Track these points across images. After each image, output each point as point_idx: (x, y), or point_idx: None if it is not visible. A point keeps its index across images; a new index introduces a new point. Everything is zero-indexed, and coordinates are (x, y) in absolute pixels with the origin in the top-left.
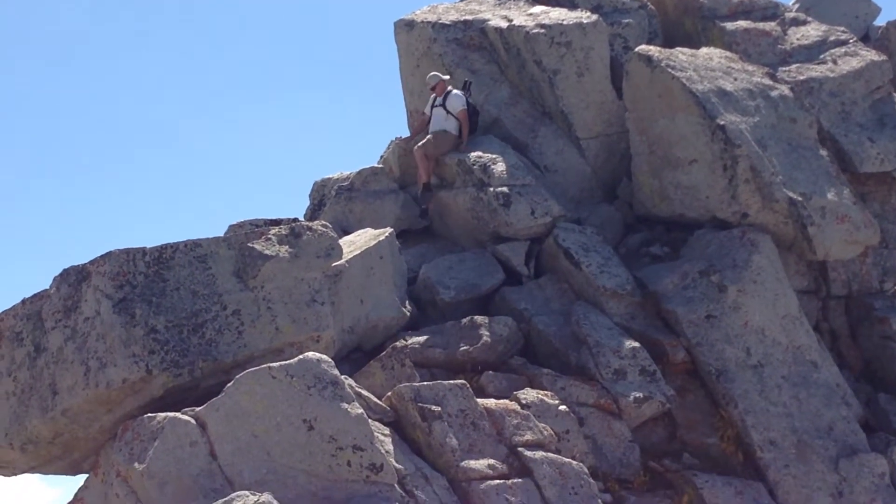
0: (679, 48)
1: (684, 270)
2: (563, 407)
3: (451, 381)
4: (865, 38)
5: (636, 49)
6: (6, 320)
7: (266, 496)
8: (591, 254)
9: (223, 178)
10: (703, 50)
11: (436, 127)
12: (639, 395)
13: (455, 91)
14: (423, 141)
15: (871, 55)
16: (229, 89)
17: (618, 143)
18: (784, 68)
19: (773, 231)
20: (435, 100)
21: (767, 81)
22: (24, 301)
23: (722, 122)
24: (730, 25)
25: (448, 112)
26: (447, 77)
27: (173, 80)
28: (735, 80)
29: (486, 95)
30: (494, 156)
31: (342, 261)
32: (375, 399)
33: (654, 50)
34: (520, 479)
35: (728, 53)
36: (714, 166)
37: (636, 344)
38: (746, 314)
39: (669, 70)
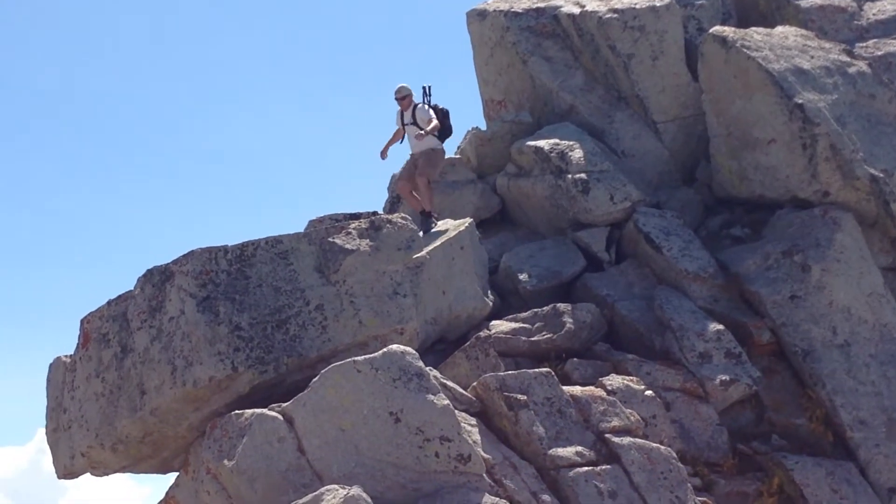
0: (754, 28)
1: (766, 251)
2: (648, 392)
3: (536, 370)
4: None
5: (710, 30)
6: (93, 322)
7: (355, 489)
8: (672, 237)
9: (303, 174)
10: (779, 29)
11: (421, 147)
12: (725, 377)
13: (419, 104)
14: (409, 172)
15: None
16: (308, 83)
17: (695, 125)
18: (861, 44)
19: (855, 208)
20: (403, 115)
21: (844, 58)
22: (109, 302)
23: (800, 101)
24: (804, 3)
25: (419, 128)
26: (410, 92)
27: (253, 74)
28: (812, 57)
29: (561, 82)
30: (571, 142)
31: (423, 252)
32: (461, 389)
33: (728, 30)
34: (608, 466)
35: (803, 31)
36: (793, 146)
37: (720, 326)
38: (831, 293)
39: (745, 50)
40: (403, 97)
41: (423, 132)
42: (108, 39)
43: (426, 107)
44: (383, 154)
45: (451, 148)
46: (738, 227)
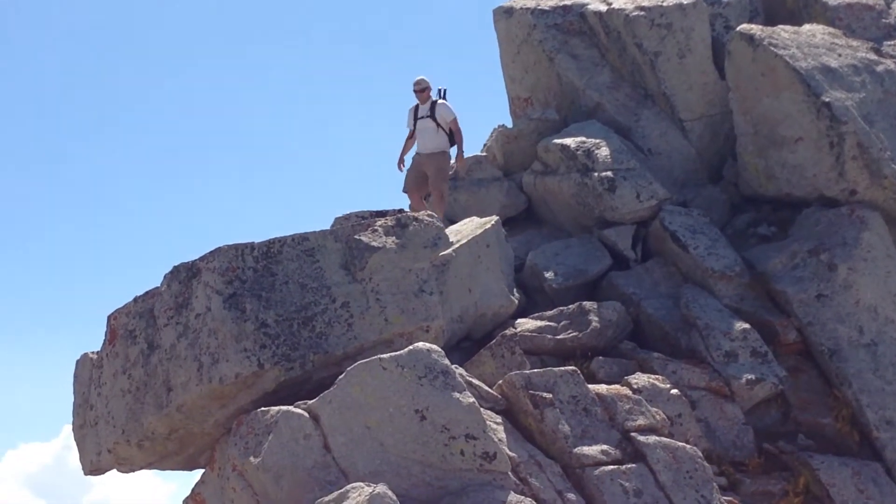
0: (781, 26)
1: (793, 250)
2: (674, 391)
3: (562, 368)
4: None
5: (738, 28)
6: (119, 318)
7: (381, 487)
8: (699, 236)
9: (328, 171)
10: (806, 27)
11: (431, 146)
12: (751, 376)
13: (440, 100)
14: (418, 178)
15: None
16: (335, 80)
17: (721, 123)
18: (889, 42)
19: (883, 207)
20: (418, 109)
21: (872, 56)
22: (136, 299)
23: (827, 99)
24: (832, 1)
25: (438, 125)
26: (429, 85)
27: (280, 70)
28: (839, 56)
29: (588, 80)
30: (598, 140)
31: (449, 250)
32: (486, 387)
33: (755, 28)
34: (633, 465)
35: (831, 29)
36: (820, 144)
37: (746, 325)
38: (858, 292)
39: (772, 48)
40: (423, 89)
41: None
42: (137, 32)
43: (448, 104)
44: (400, 165)
45: (475, 145)
46: (765, 225)
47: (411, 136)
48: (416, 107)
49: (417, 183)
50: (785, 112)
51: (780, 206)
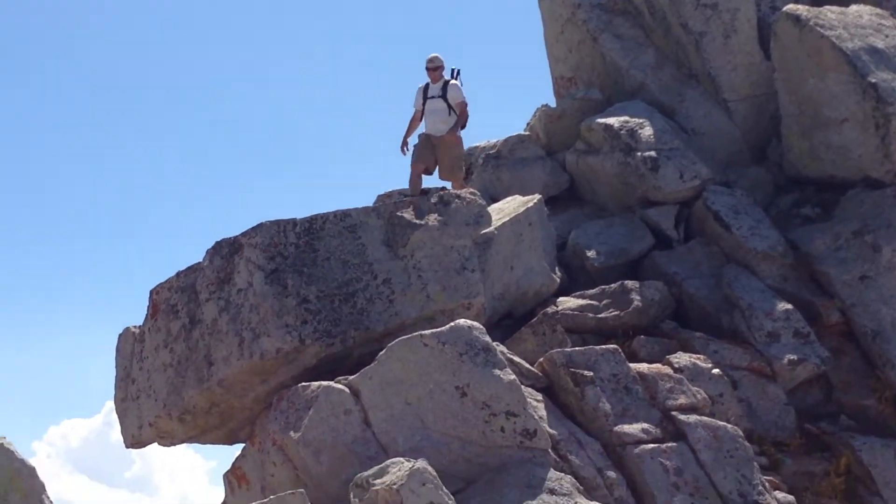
0: (828, 6)
1: (837, 231)
2: (716, 370)
3: (603, 346)
4: None
5: (784, 9)
6: (162, 293)
7: (421, 462)
8: (742, 216)
9: (370, 148)
10: (853, 7)
11: (441, 127)
12: (793, 357)
13: (452, 80)
14: (425, 154)
15: None
16: (377, 56)
17: (766, 104)
18: None
19: None
20: (428, 88)
21: None
22: (178, 274)
23: (873, 80)
24: None
25: (450, 106)
26: (443, 63)
27: (323, 47)
28: (886, 36)
29: (632, 60)
30: (641, 120)
31: (491, 228)
32: (527, 365)
33: (802, 9)
34: (674, 443)
35: (878, 10)
36: (866, 125)
37: (789, 306)
38: None
39: (819, 29)
40: (436, 67)
41: (453, 126)
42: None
43: (460, 85)
44: (403, 148)
45: (518, 125)
46: (809, 206)
47: (418, 117)
48: (427, 86)
49: (425, 157)
50: (831, 93)
51: (824, 188)
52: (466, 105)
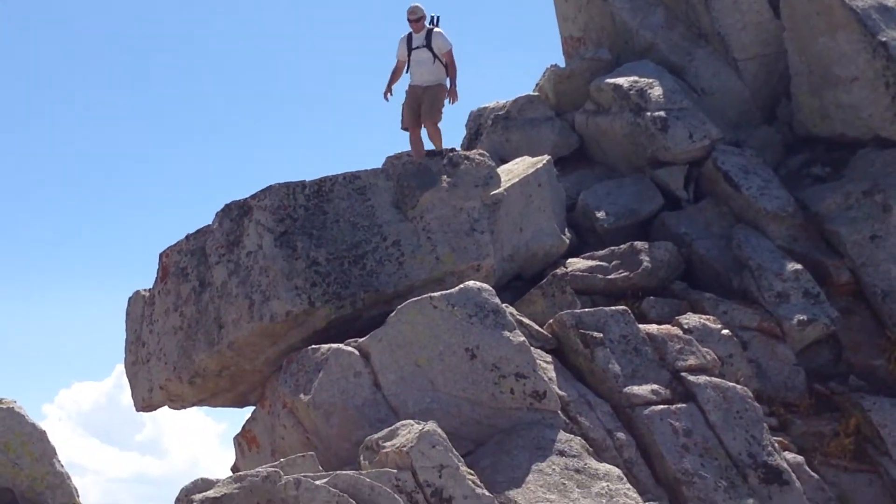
0: None
1: (847, 190)
2: (725, 331)
3: (613, 307)
4: None
5: None
6: (171, 256)
7: (431, 425)
8: (751, 176)
9: (380, 110)
10: None
11: (428, 79)
12: (802, 317)
13: (436, 28)
14: (414, 110)
15: None
16: (384, 17)
17: (776, 63)
18: None
19: None
20: (412, 38)
21: None
22: (187, 237)
23: (883, 39)
24: None
25: (435, 55)
26: (425, 14)
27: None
28: None
29: (642, 20)
30: (651, 80)
31: (500, 189)
32: (537, 327)
33: None
34: (683, 404)
35: None
36: (876, 84)
37: (799, 266)
38: None
39: None
40: (419, 18)
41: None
42: None
43: (443, 33)
44: (387, 94)
45: (527, 85)
46: (819, 165)
47: (401, 67)
48: (409, 36)
49: (415, 118)
50: (840, 51)
51: (834, 147)
52: (452, 51)
